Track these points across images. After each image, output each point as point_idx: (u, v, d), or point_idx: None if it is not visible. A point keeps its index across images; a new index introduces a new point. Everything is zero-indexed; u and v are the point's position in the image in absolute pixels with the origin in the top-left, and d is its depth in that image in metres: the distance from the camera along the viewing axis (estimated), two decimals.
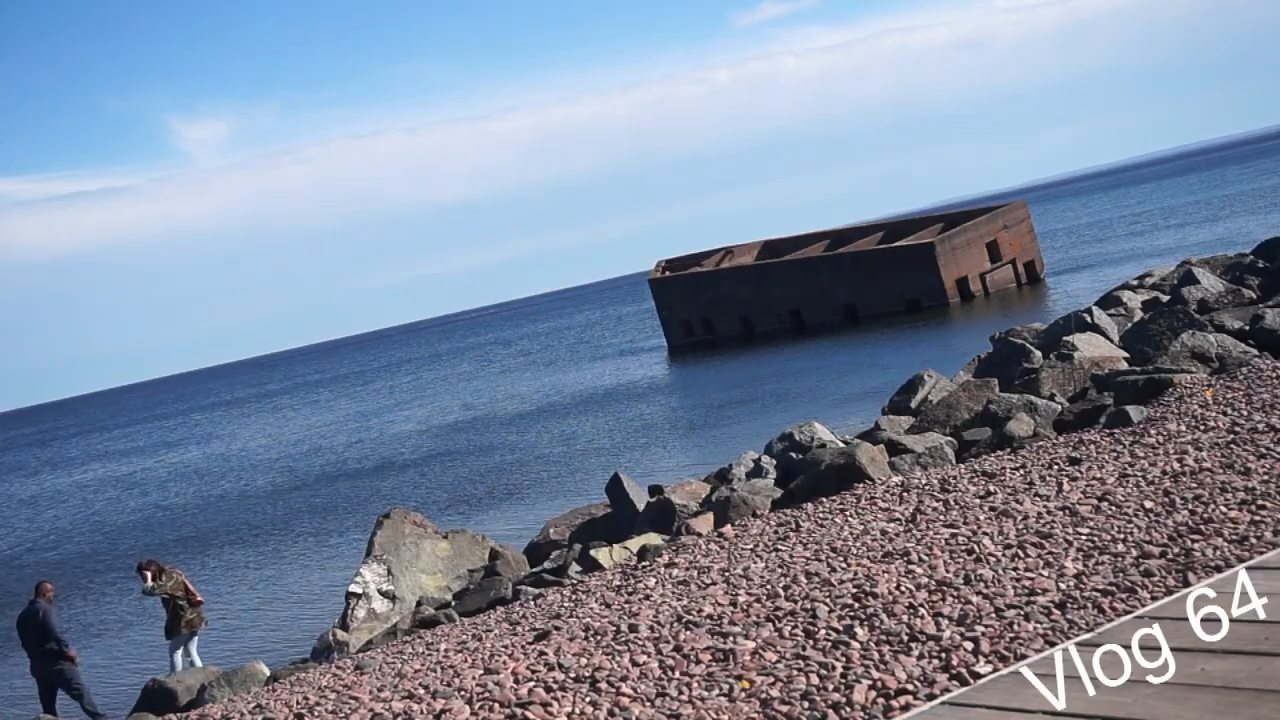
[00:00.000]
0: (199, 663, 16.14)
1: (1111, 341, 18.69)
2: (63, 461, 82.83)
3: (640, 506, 16.90)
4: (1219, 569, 8.00)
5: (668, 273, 60.81)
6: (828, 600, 9.04)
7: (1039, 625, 7.72)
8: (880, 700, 7.10)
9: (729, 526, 13.89)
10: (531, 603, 13.20)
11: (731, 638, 8.66)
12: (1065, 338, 18.36)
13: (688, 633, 9.04)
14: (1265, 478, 10.00)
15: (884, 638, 8.05)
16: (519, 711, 8.14)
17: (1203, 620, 6.38)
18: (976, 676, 6.99)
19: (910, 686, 7.17)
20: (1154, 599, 7.68)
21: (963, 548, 9.72)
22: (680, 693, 7.86)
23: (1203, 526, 9.01)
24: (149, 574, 16.29)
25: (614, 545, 15.04)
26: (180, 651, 16.30)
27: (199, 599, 16.55)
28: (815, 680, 7.58)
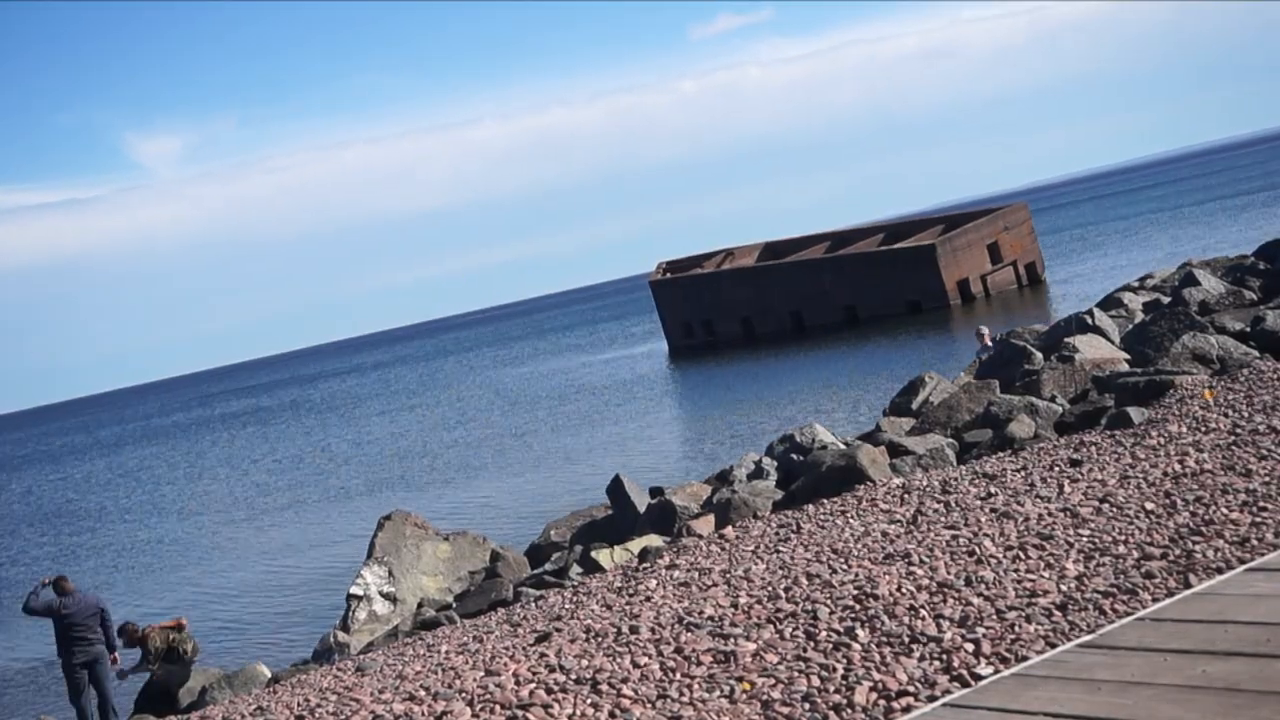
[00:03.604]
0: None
1: (1112, 343, 18.68)
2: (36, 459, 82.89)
3: (641, 508, 16.89)
4: (1220, 570, 8.00)
5: (668, 274, 60.82)
6: (829, 602, 9.04)
7: (1040, 627, 7.72)
8: (881, 702, 7.10)
9: (730, 528, 13.88)
10: (532, 604, 13.20)
11: (732, 639, 8.66)
12: (1066, 339, 18.35)
13: (689, 634, 9.04)
14: (1266, 479, 9.99)
15: (885, 639, 8.05)
16: (520, 713, 8.14)
17: (1204, 622, 6.38)
18: (978, 678, 6.99)
19: (911, 688, 7.17)
20: (1155, 600, 7.68)
21: (964, 549, 9.72)
22: (681, 694, 7.86)
23: (1204, 528, 9.01)
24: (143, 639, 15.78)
25: (615, 547, 15.04)
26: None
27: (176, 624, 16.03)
28: (816, 682, 7.57)
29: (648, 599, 10.87)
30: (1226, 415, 12.86)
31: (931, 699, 6.88)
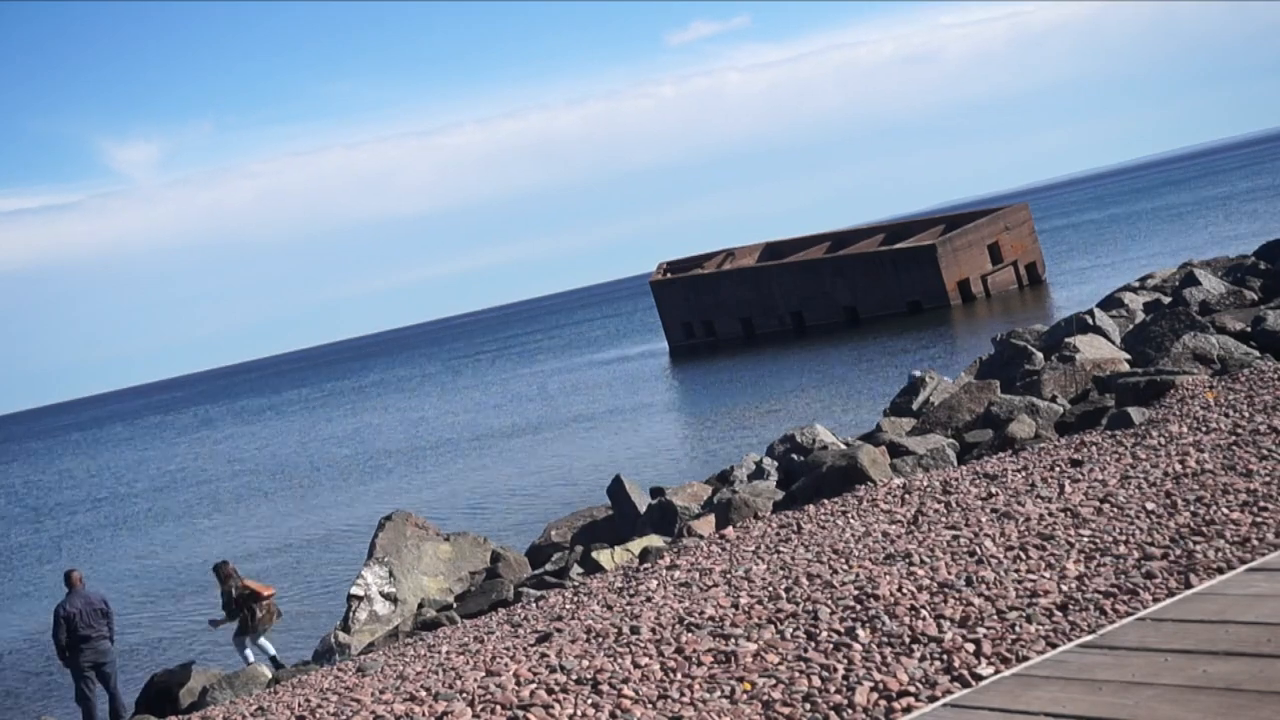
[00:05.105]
0: (273, 650, 15.91)
1: (1113, 343, 18.68)
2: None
3: (642, 508, 16.90)
4: (1221, 570, 8.00)
5: (669, 274, 60.84)
6: (829, 602, 9.04)
7: (1041, 627, 7.72)
8: (882, 702, 7.10)
9: (730, 528, 13.89)
10: (533, 605, 13.20)
11: (733, 640, 8.66)
12: (1067, 339, 18.35)
13: (689, 635, 9.04)
14: (1267, 480, 9.99)
15: (886, 639, 8.04)
16: (520, 713, 8.14)
17: (1204, 622, 6.38)
18: (978, 678, 6.99)
19: (912, 688, 7.17)
20: (1156, 601, 7.67)
21: (964, 549, 9.72)
22: (682, 695, 7.87)
23: (1204, 528, 9.01)
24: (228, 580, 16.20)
25: (615, 547, 15.04)
26: (248, 648, 16.03)
27: (268, 592, 16.33)
28: (817, 682, 7.58)
29: (648, 599, 10.88)
30: (1227, 415, 12.86)
31: (932, 699, 6.88)
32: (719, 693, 7.77)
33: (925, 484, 13.30)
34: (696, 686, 7.97)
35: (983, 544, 9.71)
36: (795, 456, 16.88)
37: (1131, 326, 20.02)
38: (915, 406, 19.00)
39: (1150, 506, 9.89)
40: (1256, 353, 15.84)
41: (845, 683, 7.46)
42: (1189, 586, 7.76)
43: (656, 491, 17.96)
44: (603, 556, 14.66)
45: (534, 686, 8.64)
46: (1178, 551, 8.61)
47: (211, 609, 18.46)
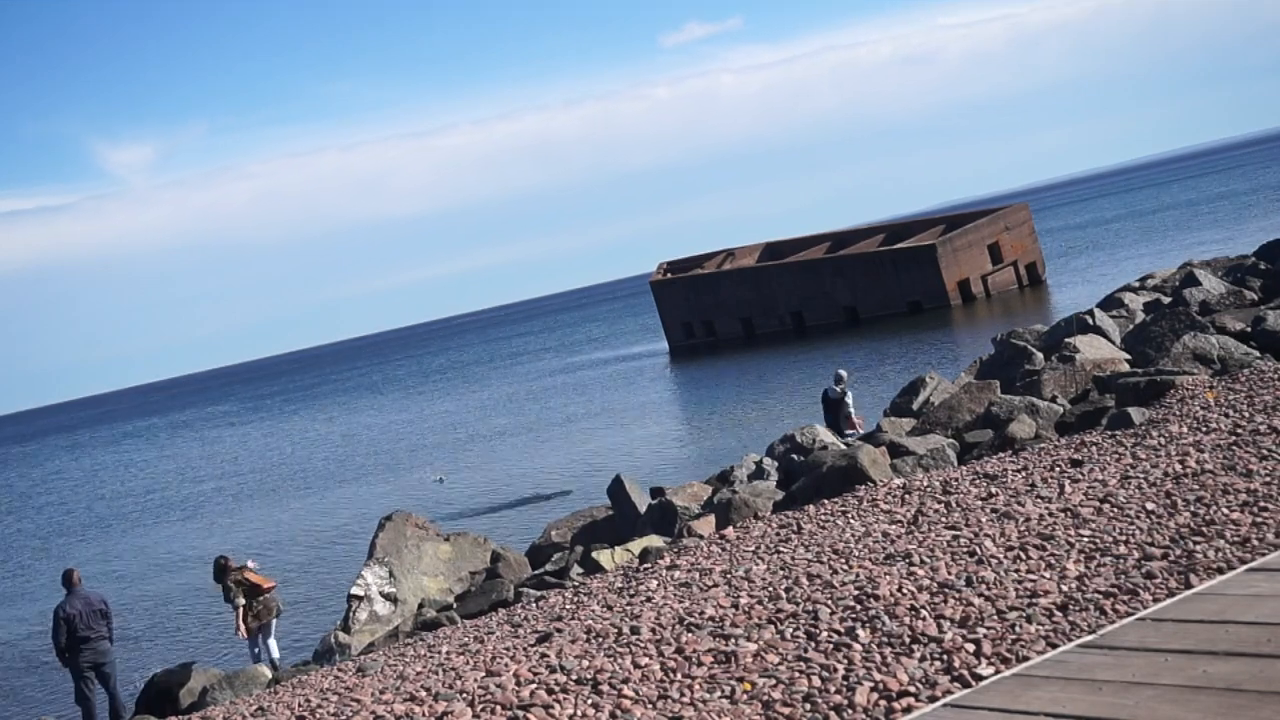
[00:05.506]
0: (276, 654, 15.84)
1: (1113, 343, 18.69)
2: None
3: (642, 509, 16.90)
4: (1221, 571, 8.00)
5: (669, 274, 60.85)
6: (829, 602, 9.04)
7: (1041, 627, 7.72)
8: (882, 702, 7.10)
9: (730, 529, 13.89)
10: (533, 605, 13.20)
11: (733, 640, 8.67)
12: (1067, 340, 18.36)
13: (689, 635, 9.04)
14: (1267, 480, 9.99)
15: (886, 640, 8.05)
16: (521, 714, 8.14)
17: (1205, 622, 6.38)
18: (978, 678, 6.99)
19: (912, 689, 7.17)
20: (1156, 601, 7.68)
21: (964, 549, 9.72)
22: (682, 695, 7.87)
23: (1205, 528, 9.01)
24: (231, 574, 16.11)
25: (615, 547, 15.04)
26: (258, 646, 15.94)
27: (269, 585, 16.14)
28: (817, 682, 7.58)
29: (648, 599, 10.88)
30: (1227, 415, 12.86)
31: (932, 699, 6.88)
32: (719, 693, 7.78)
33: (925, 484, 13.30)
34: (696, 686, 7.97)
35: (983, 544, 9.71)
36: (795, 456, 16.88)
37: (1131, 326, 20.02)
38: (915, 406, 19.01)
39: (1150, 506, 9.89)
40: (1256, 353, 15.85)
41: (845, 683, 7.46)
42: (1189, 586, 7.77)
43: (656, 491, 17.96)
44: (603, 556, 14.66)
45: (534, 686, 8.64)
46: (1178, 551, 8.61)
47: (210, 606, 18.46)
